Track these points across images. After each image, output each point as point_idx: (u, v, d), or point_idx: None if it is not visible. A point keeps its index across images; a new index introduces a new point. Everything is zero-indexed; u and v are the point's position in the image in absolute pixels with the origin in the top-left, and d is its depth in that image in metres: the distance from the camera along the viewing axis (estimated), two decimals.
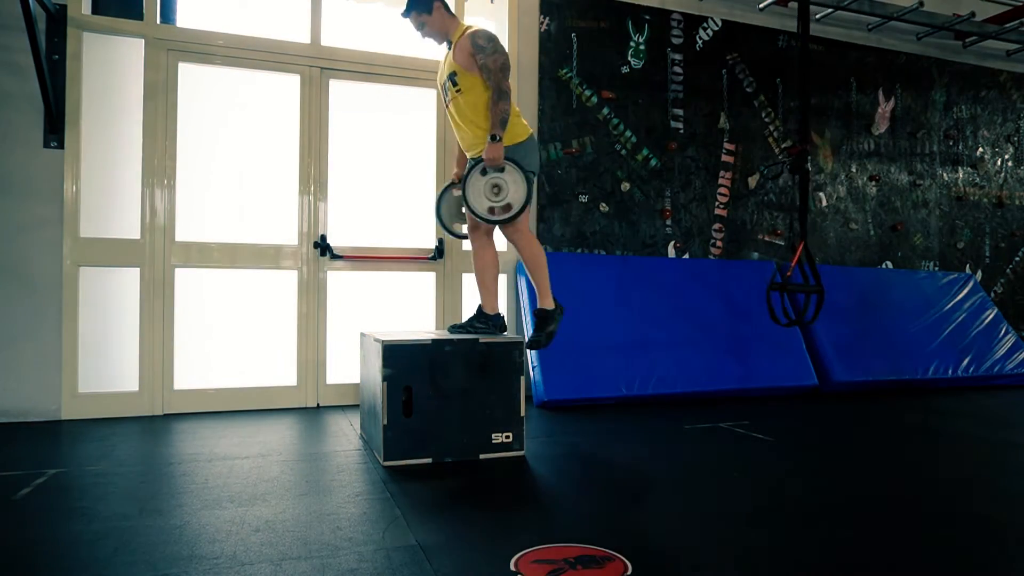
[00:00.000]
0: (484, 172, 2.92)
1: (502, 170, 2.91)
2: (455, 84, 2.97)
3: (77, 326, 3.61)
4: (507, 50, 4.46)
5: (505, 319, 3.31)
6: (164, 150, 3.78)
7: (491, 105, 2.88)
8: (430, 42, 3.12)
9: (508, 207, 2.93)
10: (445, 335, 2.94)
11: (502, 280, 4.11)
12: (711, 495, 2.38)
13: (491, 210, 2.94)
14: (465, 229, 3.33)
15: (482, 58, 2.88)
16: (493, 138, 2.86)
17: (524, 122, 3.08)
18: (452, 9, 3.08)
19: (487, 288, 3.20)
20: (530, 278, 3.19)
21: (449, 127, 4.30)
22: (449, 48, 3.04)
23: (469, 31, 2.94)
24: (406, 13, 3.05)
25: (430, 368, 2.77)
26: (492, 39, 2.91)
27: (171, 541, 1.87)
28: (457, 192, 3.21)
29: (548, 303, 3.14)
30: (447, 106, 3.11)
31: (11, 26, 3.47)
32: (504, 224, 3.01)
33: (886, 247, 5.68)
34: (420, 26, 3.04)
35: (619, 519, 2.11)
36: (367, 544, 1.85)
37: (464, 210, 3.11)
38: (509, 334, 3.58)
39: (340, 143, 4.15)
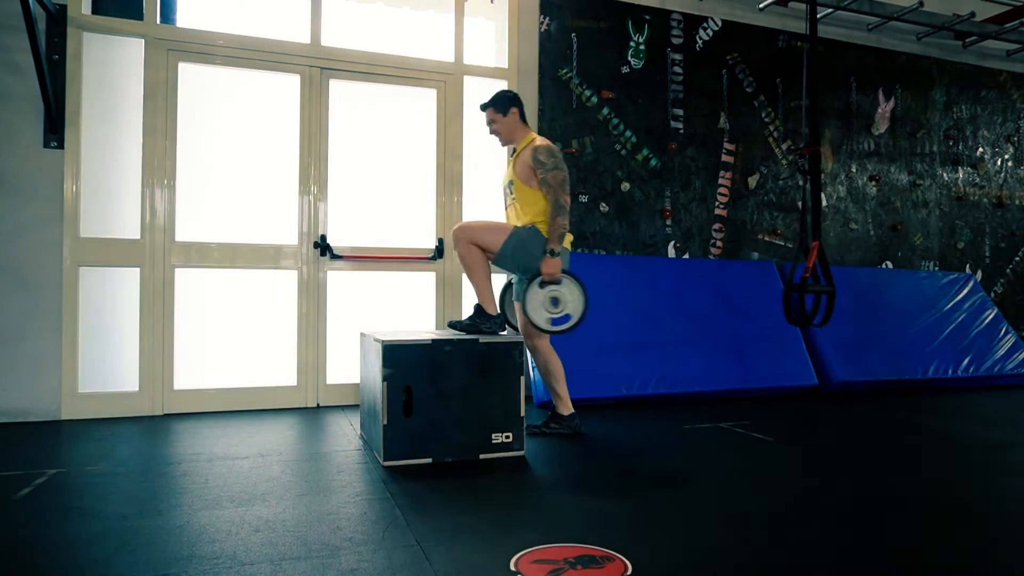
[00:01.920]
0: (542, 285, 3.05)
1: (559, 283, 3.06)
2: (512, 193, 3.19)
3: (77, 326, 3.61)
4: (507, 50, 4.50)
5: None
6: (164, 150, 3.78)
7: (550, 220, 3.05)
8: (486, 129, 3.32)
9: (568, 318, 3.10)
10: (445, 335, 2.94)
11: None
12: (711, 495, 2.38)
13: (551, 322, 3.09)
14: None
15: (542, 173, 3.06)
16: (551, 253, 3.02)
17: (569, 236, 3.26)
18: (526, 120, 3.27)
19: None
20: (545, 384, 3.35)
21: (448, 126, 4.32)
22: (512, 155, 3.24)
23: (532, 144, 3.12)
24: (484, 107, 3.27)
25: (430, 368, 2.77)
26: (553, 154, 3.09)
27: (171, 541, 1.87)
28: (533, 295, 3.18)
29: (565, 409, 3.30)
30: (505, 207, 3.32)
31: (11, 26, 3.47)
32: (572, 330, 3.15)
33: (886, 247, 5.68)
34: (490, 123, 3.26)
35: (619, 519, 2.11)
36: (367, 544, 1.85)
37: (522, 321, 3.23)
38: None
39: (340, 143, 4.15)
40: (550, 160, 3.06)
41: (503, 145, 3.33)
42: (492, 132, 3.28)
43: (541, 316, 3.07)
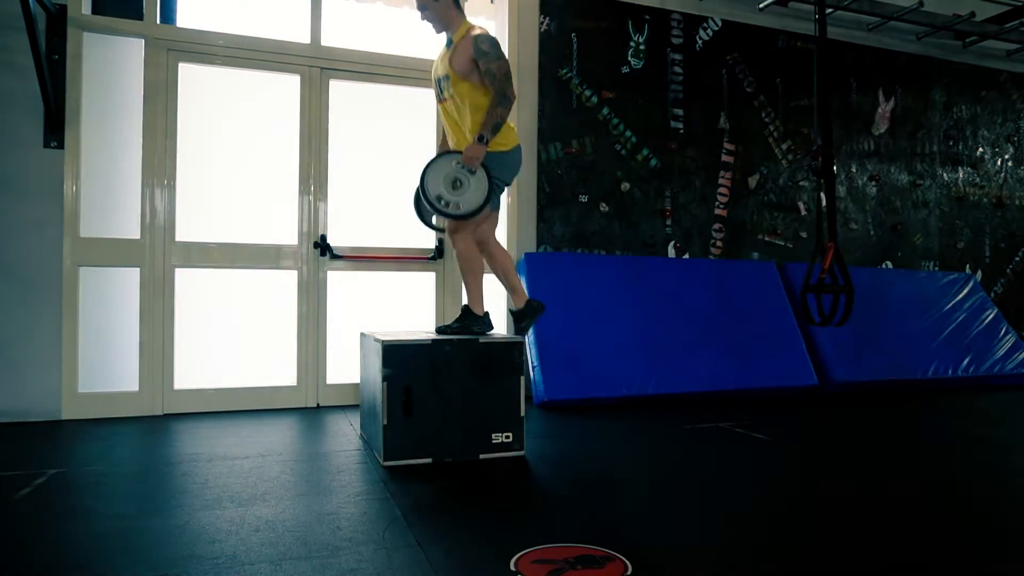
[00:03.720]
0: (455, 163, 2.88)
1: (473, 172, 2.88)
2: (449, 88, 2.95)
3: (77, 326, 3.61)
4: (507, 50, 4.49)
5: (500, 317, 3.30)
6: (164, 150, 3.78)
7: (490, 107, 2.84)
8: (429, 30, 3.05)
9: (457, 205, 2.89)
10: (445, 335, 2.94)
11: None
12: (711, 495, 2.38)
13: (439, 198, 2.88)
14: (440, 222, 3.26)
15: (485, 63, 2.84)
16: (480, 139, 2.83)
17: (515, 132, 3.07)
18: (460, 5, 3.02)
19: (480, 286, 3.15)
20: (501, 281, 3.20)
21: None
22: (448, 46, 2.99)
23: (472, 33, 2.90)
24: None
25: (430, 368, 2.77)
26: (495, 44, 2.88)
27: (171, 541, 1.87)
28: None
29: (519, 300, 3.18)
30: (438, 103, 3.08)
31: (11, 26, 3.47)
32: (449, 218, 2.97)
33: (886, 247, 5.68)
34: (423, 7, 2.97)
35: (619, 519, 2.11)
36: (367, 544, 1.85)
37: (416, 188, 3.06)
38: (509, 334, 3.58)
39: (340, 143, 4.15)
40: (493, 50, 2.84)
41: (437, 33, 3.05)
42: (423, 19, 3.01)
43: (436, 188, 2.87)
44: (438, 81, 3.03)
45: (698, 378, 4.32)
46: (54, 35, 3.59)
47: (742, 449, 3.07)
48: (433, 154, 3.11)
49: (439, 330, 3.04)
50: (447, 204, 2.88)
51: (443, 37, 3.05)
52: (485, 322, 3.08)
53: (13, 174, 3.55)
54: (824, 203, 4.29)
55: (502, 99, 2.83)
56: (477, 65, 2.86)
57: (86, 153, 3.67)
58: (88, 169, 3.68)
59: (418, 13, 3.03)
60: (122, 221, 3.76)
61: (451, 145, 3.07)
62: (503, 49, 4.44)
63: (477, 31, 2.91)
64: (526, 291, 3.24)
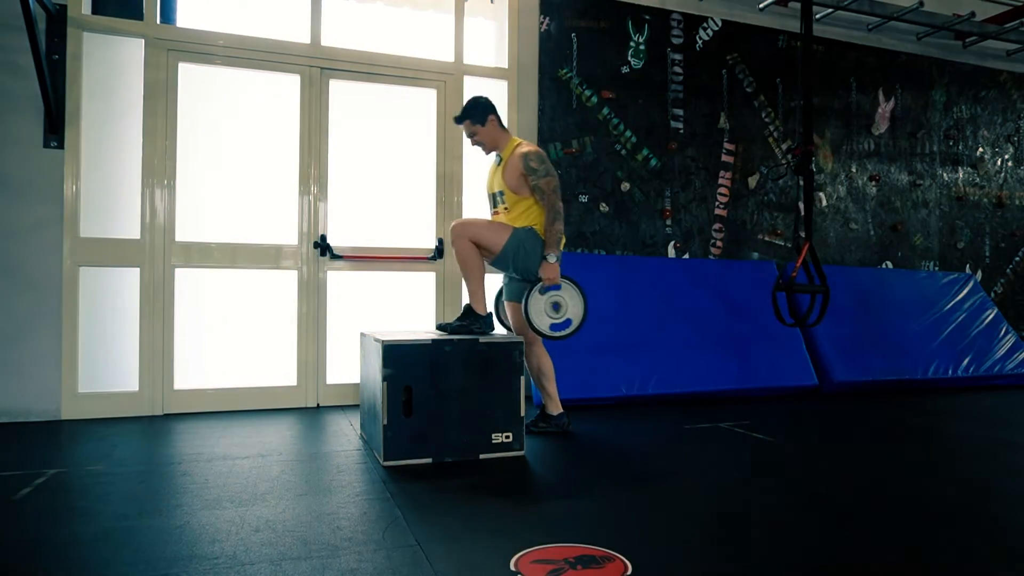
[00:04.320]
0: (543, 291, 3.08)
1: (559, 288, 3.09)
2: (502, 202, 3.17)
3: (77, 326, 3.61)
4: (507, 50, 4.50)
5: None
6: (164, 150, 3.78)
7: (547, 226, 3.06)
8: (480, 152, 3.29)
9: (568, 323, 3.13)
10: (445, 335, 2.94)
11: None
12: (711, 495, 2.38)
13: (551, 327, 3.11)
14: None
15: (534, 180, 3.05)
16: (547, 258, 3.03)
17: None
18: (504, 122, 3.27)
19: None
20: (536, 384, 3.39)
21: (446, 124, 4.31)
22: (499, 163, 3.19)
23: (520, 151, 3.09)
24: (459, 120, 3.21)
25: (430, 368, 2.77)
26: (543, 160, 3.07)
27: (171, 541, 1.87)
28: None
29: (555, 408, 3.34)
30: (491, 212, 3.28)
31: (11, 26, 3.47)
32: (571, 335, 3.17)
33: (886, 247, 5.68)
34: (471, 135, 3.20)
35: (619, 519, 2.11)
36: (367, 544, 1.85)
37: (518, 322, 3.28)
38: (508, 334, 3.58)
39: (340, 143, 4.15)
40: (541, 167, 3.04)
41: (487, 154, 3.26)
42: (474, 144, 3.23)
43: (544, 321, 3.10)
44: (493, 196, 3.25)
45: (698, 378, 4.32)
46: (54, 35, 3.59)
47: (742, 449, 3.07)
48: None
49: (440, 327, 3.07)
50: (561, 327, 3.13)
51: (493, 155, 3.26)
52: (487, 322, 3.08)
53: (13, 174, 3.55)
54: (802, 201, 4.29)
55: (556, 215, 3.06)
56: (526, 178, 3.07)
57: (86, 153, 3.67)
58: (88, 169, 3.68)
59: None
60: (122, 221, 3.76)
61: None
62: (503, 50, 4.49)
63: (525, 148, 3.11)
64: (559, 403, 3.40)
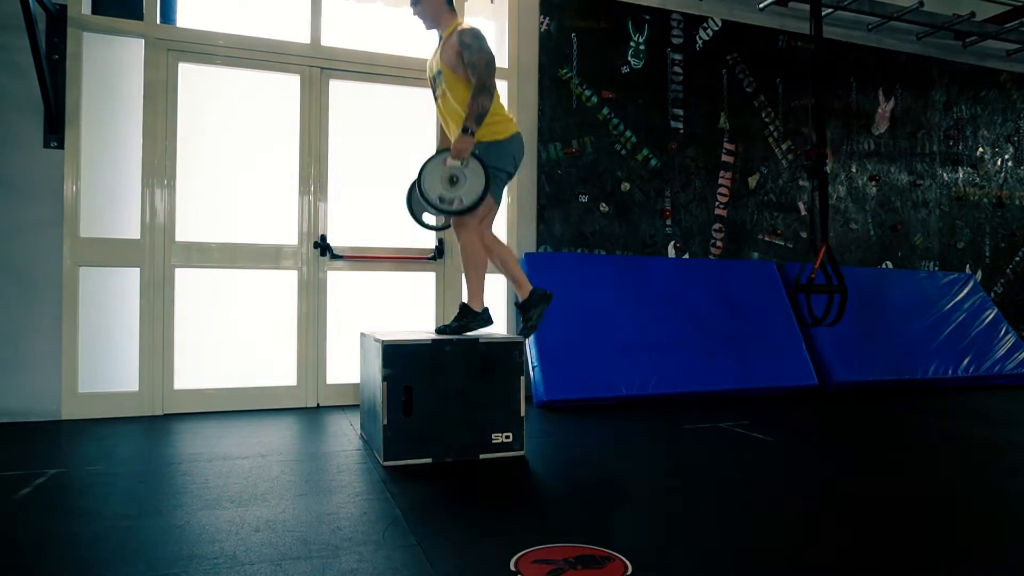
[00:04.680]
0: (446, 161, 2.89)
1: (466, 164, 2.88)
2: (441, 83, 3.02)
3: (77, 326, 3.61)
4: (507, 50, 4.49)
5: (501, 317, 3.28)
6: (164, 150, 3.78)
7: (471, 98, 2.86)
8: (421, 27, 3.12)
9: (459, 200, 2.90)
10: (445, 335, 2.93)
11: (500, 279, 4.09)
12: (711, 495, 2.38)
13: (441, 199, 2.90)
14: (432, 220, 3.27)
15: (468, 55, 2.88)
16: (465, 130, 2.85)
17: (512, 121, 3.09)
18: (452, 3, 3.07)
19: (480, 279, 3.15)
20: (504, 274, 3.20)
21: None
22: (439, 43, 3.06)
23: (458, 28, 2.96)
24: None
25: (430, 368, 2.77)
26: (479, 37, 2.92)
27: (171, 541, 1.87)
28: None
29: (524, 292, 3.16)
30: (435, 99, 3.12)
31: (11, 26, 3.47)
32: (454, 215, 2.97)
33: (886, 247, 5.68)
34: (414, 4, 3.05)
35: (619, 519, 2.11)
36: (367, 544, 1.85)
37: (408, 188, 3.08)
38: (509, 333, 3.58)
39: (340, 143, 4.15)
40: (476, 41, 2.88)
41: (427, 29, 3.12)
42: (415, 14, 3.09)
43: (435, 190, 2.88)
44: (433, 78, 3.09)
45: (698, 378, 4.32)
46: (54, 35, 3.59)
47: (742, 449, 3.07)
48: (432, 152, 3.12)
49: (439, 331, 3.03)
50: (450, 202, 2.89)
51: (436, 36, 3.10)
52: (484, 318, 3.07)
53: (13, 174, 3.55)
54: (817, 203, 4.30)
55: (482, 89, 2.85)
56: (462, 56, 2.91)
57: (86, 153, 3.67)
58: (88, 169, 3.68)
59: (412, 9, 3.06)
60: (122, 221, 3.76)
61: (451, 141, 3.08)
62: (503, 50, 4.49)
63: (464, 25, 2.97)
64: (529, 282, 3.21)
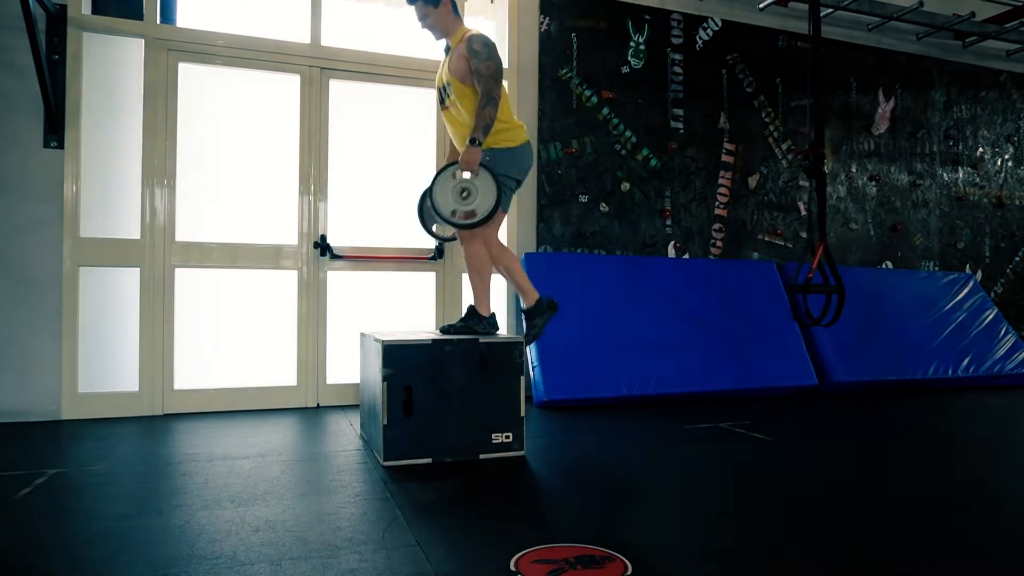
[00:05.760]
0: (455, 175, 2.90)
1: (475, 176, 2.88)
2: (449, 95, 3.00)
3: (77, 326, 3.61)
4: (507, 50, 4.49)
5: (502, 318, 3.29)
6: (164, 150, 3.78)
7: (478, 109, 2.85)
8: (428, 35, 3.10)
9: (472, 213, 2.90)
10: (449, 335, 2.93)
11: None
12: (711, 495, 2.38)
13: (454, 213, 2.90)
14: (442, 231, 3.28)
15: (475, 62, 2.86)
16: (472, 142, 2.83)
17: (522, 129, 3.06)
18: (459, 12, 3.08)
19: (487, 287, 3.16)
20: (508, 281, 3.20)
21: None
22: (447, 53, 3.04)
23: (467, 36, 2.93)
24: (412, 0, 3.03)
25: (430, 368, 2.77)
26: (488, 45, 2.89)
27: (171, 541, 1.87)
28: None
29: (530, 299, 3.16)
30: (442, 109, 3.11)
31: (11, 26, 3.47)
32: (463, 228, 2.98)
33: (886, 247, 5.68)
34: (423, 16, 3.02)
35: (619, 519, 2.11)
36: (367, 544, 1.85)
37: (419, 198, 3.08)
38: (509, 334, 3.58)
39: (340, 143, 4.15)
40: (484, 50, 2.85)
41: (437, 40, 3.10)
42: (424, 27, 3.07)
43: (447, 205, 2.89)
44: (441, 89, 3.06)
45: (698, 378, 4.32)
46: (54, 35, 3.59)
47: (742, 449, 3.07)
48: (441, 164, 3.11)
49: (443, 329, 3.04)
50: (463, 215, 2.90)
51: (443, 44, 3.09)
52: (490, 323, 3.07)
53: (13, 174, 3.55)
54: (815, 203, 4.30)
55: (488, 99, 2.84)
56: (470, 63, 2.88)
57: (86, 153, 3.67)
58: (88, 169, 3.68)
59: (420, 23, 3.06)
60: (122, 221, 3.76)
61: (459, 150, 3.09)
62: (503, 50, 4.49)
63: (473, 33, 2.94)
64: (535, 290, 3.21)
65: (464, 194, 2.89)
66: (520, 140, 3.03)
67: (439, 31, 3.04)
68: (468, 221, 2.91)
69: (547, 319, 3.17)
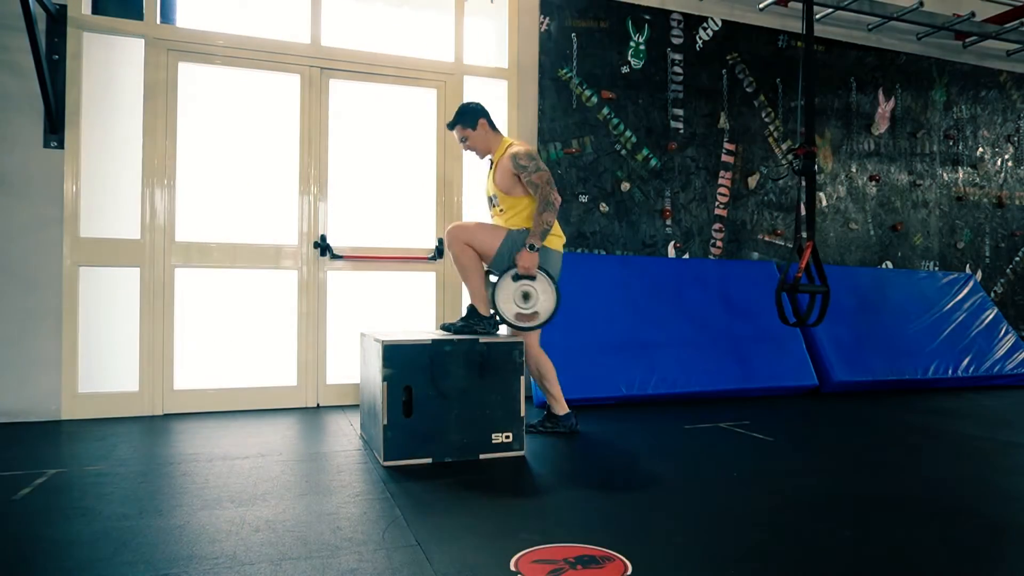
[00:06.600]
0: (516, 278, 3.01)
1: (534, 279, 3.01)
2: (497, 204, 3.17)
3: (77, 326, 3.61)
4: (507, 50, 4.50)
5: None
6: (164, 150, 3.78)
7: (536, 215, 3.00)
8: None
9: (535, 315, 3.05)
10: (445, 335, 2.94)
11: None
12: (711, 495, 2.38)
13: (518, 316, 3.04)
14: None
15: (526, 176, 3.03)
16: (531, 247, 2.97)
17: (562, 238, 3.22)
18: (495, 124, 3.23)
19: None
20: (539, 386, 3.34)
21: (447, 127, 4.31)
22: (491, 167, 3.20)
23: (509, 151, 3.08)
24: (451, 126, 3.21)
25: (430, 368, 2.77)
26: (532, 157, 3.05)
27: (171, 541, 1.87)
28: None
29: (560, 409, 3.30)
30: (492, 208, 3.26)
31: (11, 26, 3.47)
32: (535, 329, 3.12)
33: (886, 247, 5.68)
34: (463, 139, 3.21)
35: (619, 519, 2.11)
36: (367, 544, 1.85)
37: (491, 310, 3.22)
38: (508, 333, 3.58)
39: (340, 143, 4.15)
40: (531, 163, 3.02)
41: (480, 158, 3.27)
42: (466, 148, 3.24)
43: (510, 309, 3.03)
44: (490, 199, 3.24)
45: (698, 378, 4.32)
46: (54, 35, 3.59)
47: (742, 449, 3.07)
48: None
49: (444, 328, 3.08)
50: (526, 318, 3.04)
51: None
52: (491, 322, 3.09)
53: (13, 174, 3.55)
54: (804, 202, 4.29)
55: (547, 206, 2.99)
56: (519, 178, 3.05)
57: (86, 153, 3.67)
58: (88, 169, 3.68)
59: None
60: (122, 221, 3.76)
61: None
62: (503, 49, 4.49)
63: (514, 148, 3.09)
64: (566, 404, 3.35)
65: (526, 296, 3.04)
66: (558, 245, 3.19)
67: (481, 150, 3.21)
68: (532, 324, 3.06)
69: (559, 433, 3.28)
